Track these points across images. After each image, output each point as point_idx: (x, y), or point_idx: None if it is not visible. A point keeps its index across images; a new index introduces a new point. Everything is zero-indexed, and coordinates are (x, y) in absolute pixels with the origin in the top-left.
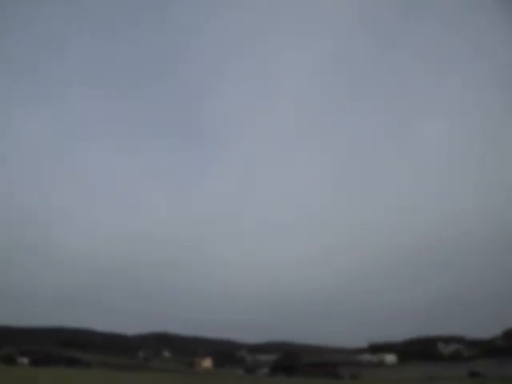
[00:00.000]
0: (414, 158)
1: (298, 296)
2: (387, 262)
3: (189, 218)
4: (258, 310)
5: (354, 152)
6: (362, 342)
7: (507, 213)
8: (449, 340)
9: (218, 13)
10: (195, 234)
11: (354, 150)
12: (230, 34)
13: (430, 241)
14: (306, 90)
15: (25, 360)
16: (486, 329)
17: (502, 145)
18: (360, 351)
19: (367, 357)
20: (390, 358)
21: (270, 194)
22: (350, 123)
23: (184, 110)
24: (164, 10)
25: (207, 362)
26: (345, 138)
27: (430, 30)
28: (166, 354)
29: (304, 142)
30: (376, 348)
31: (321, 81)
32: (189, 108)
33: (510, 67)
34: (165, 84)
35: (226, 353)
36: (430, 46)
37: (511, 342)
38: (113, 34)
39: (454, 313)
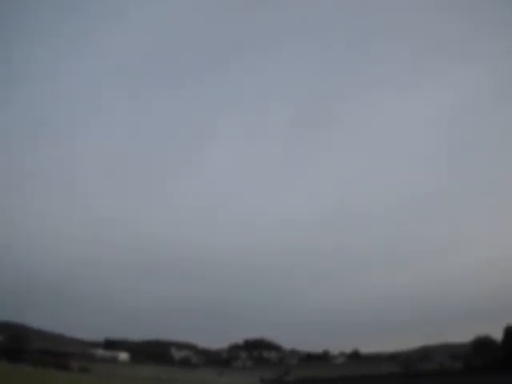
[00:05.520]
0: None
1: (36, 277)
2: (128, 261)
3: None
4: None
5: None
6: (97, 336)
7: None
8: (182, 346)
9: None
10: None
11: None
12: None
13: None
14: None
15: None
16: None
17: None
18: (94, 345)
19: (101, 351)
20: (123, 356)
21: None
22: None
23: None
24: None
25: None
26: None
27: None
28: None
29: None
30: (111, 344)
31: None
32: None
33: None
34: None
35: None
36: None
37: (234, 356)
38: None
39: (190, 321)
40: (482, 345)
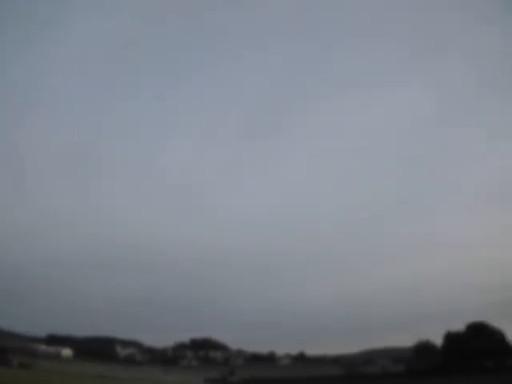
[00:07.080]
0: None
1: None
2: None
3: None
4: None
5: None
6: (39, 331)
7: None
8: (127, 344)
9: None
10: None
11: None
12: None
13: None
14: None
15: None
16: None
17: None
18: (36, 340)
19: (43, 347)
20: (67, 352)
21: None
22: None
23: None
24: None
25: None
26: None
27: None
28: None
29: None
30: (54, 339)
31: None
32: None
33: None
34: None
35: None
36: None
37: (180, 355)
38: None
39: (135, 319)
40: (423, 349)
